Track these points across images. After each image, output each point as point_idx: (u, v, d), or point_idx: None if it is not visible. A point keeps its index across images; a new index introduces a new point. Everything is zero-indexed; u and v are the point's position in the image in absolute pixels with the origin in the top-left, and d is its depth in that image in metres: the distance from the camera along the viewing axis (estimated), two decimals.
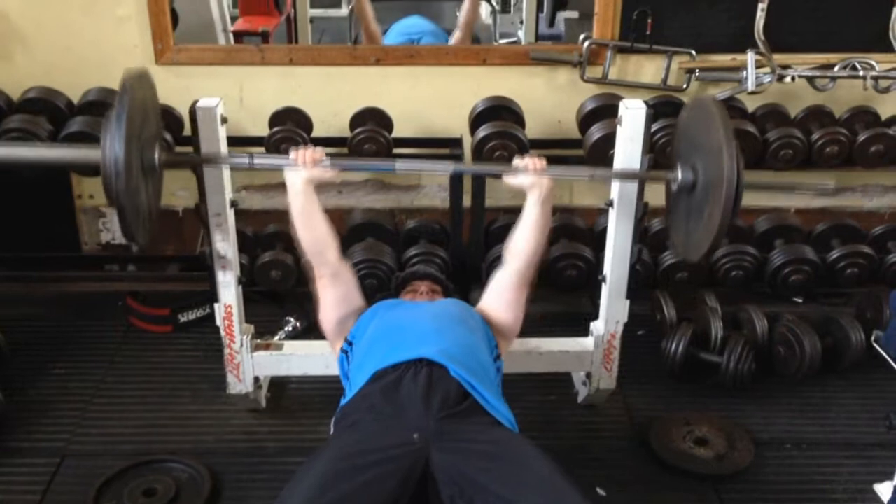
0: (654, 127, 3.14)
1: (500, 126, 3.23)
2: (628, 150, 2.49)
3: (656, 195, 2.58)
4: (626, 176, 2.56)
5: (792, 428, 2.87)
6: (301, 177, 2.28)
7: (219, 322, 2.68)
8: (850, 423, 2.90)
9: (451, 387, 2.06)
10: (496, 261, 3.35)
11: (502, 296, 2.44)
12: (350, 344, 2.37)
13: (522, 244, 2.38)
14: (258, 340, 2.80)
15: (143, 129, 2.08)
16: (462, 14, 4.39)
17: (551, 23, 4.74)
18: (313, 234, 2.35)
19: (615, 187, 2.58)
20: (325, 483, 1.83)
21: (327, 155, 2.29)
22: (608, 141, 2.96)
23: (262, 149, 3.28)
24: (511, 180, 2.35)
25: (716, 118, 2.14)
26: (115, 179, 1.91)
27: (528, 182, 2.33)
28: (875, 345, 2.88)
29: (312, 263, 2.40)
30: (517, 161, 2.35)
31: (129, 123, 1.93)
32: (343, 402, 2.22)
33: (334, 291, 2.41)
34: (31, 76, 3.39)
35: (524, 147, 3.21)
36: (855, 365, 3.06)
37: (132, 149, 1.96)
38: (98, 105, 3.30)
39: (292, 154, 2.28)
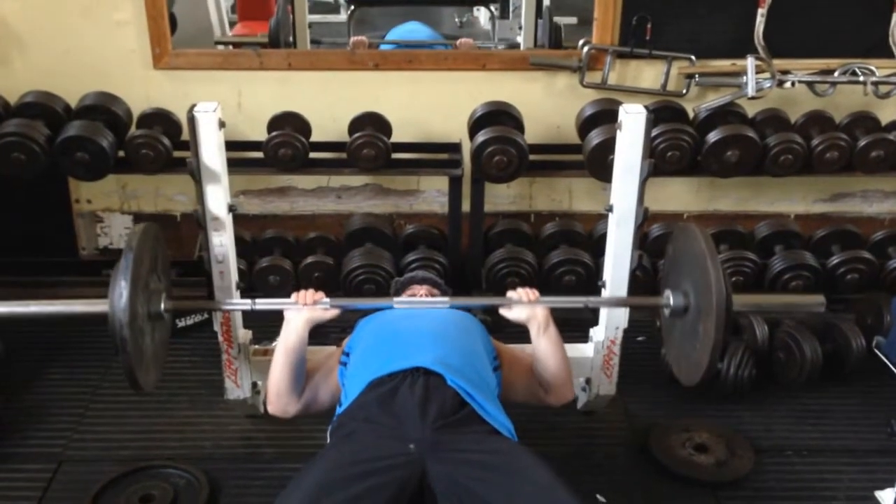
0: (654, 132, 3.13)
1: (499, 131, 3.23)
2: (628, 155, 2.48)
3: (656, 202, 2.57)
4: (618, 304, 2.65)
5: (792, 434, 2.86)
6: (302, 317, 2.33)
7: (217, 327, 2.67)
8: (850, 430, 2.89)
9: (447, 396, 2.05)
10: (495, 266, 3.36)
11: (527, 379, 2.44)
12: (347, 355, 2.36)
13: (546, 375, 2.40)
14: (256, 346, 2.79)
15: (150, 281, 2.18)
16: None
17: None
18: (290, 380, 2.34)
19: (615, 192, 2.57)
20: (319, 492, 1.82)
21: (327, 296, 2.38)
22: (607, 146, 2.96)
23: (260, 153, 3.26)
24: (507, 314, 2.39)
25: (700, 242, 2.16)
26: (119, 330, 2.01)
27: (524, 315, 2.36)
28: (876, 351, 2.88)
29: (275, 410, 2.38)
30: (510, 293, 2.39)
31: (135, 279, 2.04)
32: (339, 410, 2.21)
33: (315, 411, 2.42)
34: (29, 80, 3.38)
35: (523, 152, 3.21)
36: (855, 371, 3.04)
37: (137, 299, 2.07)
38: (96, 109, 3.30)
39: (294, 296, 2.35)
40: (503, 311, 2.39)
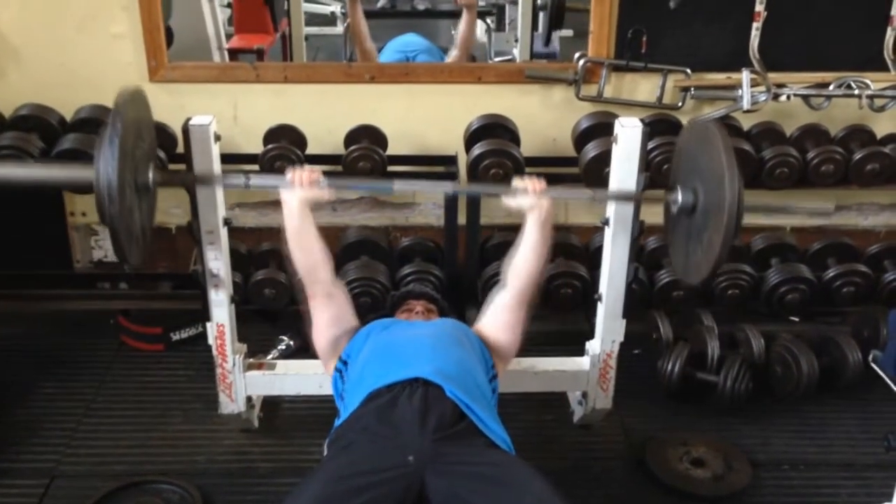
0: (650, 145, 3.13)
1: (495, 144, 3.22)
2: (624, 168, 2.48)
3: (652, 214, 2.57)
4: (625, 197, 2.55)
5: (789, 448, 2.85)
6: (297, 197, 2.26)
7: (211, 341, 2.66)
8: (848, 444, 2.88)
9: (446, 407, 2.04)
10: (491, 279, 3.33)
11: (500, 317, 2.41)
12: (344, 363, 2.35)
13: (522, 265, 2.36)
14: (251, 360, 2.78)
15: (137, 149, 2.06)
16: (459, 33, 4.40)
17: (547, 41, 4.74)
18: (308, 255, 2.33)
19: (611, 206, 2.57)
20: None
21: (324, 174, 2.27)
22: (603, 159, 2.95)
23: (257, 167, 3.26)
24: (510, 202, 2.32)
25: (717, 142, 2.12)
26: (107, 200, 1.90)
27: (528, 203, 2.30)
28: (873, 365, 2.86)
29: (305, 283, 2.37)
30: (516, 182, 2.32)
31: (122, 143, 1.92)
32: (337, 422, 2.20)
33: (327, 311, 2.39)
34: (24, 93, 3.38)
35: (519, 165, 3.20)
36: (852, 385, 3.04)
37: (125, 169, 1.95)
38: (91, 122, 3.29)
39: (289, 174, 2.25)
40: (507, 199, 2.33)
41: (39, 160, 2.15)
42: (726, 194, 2.04)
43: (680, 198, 2.28)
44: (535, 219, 2.31)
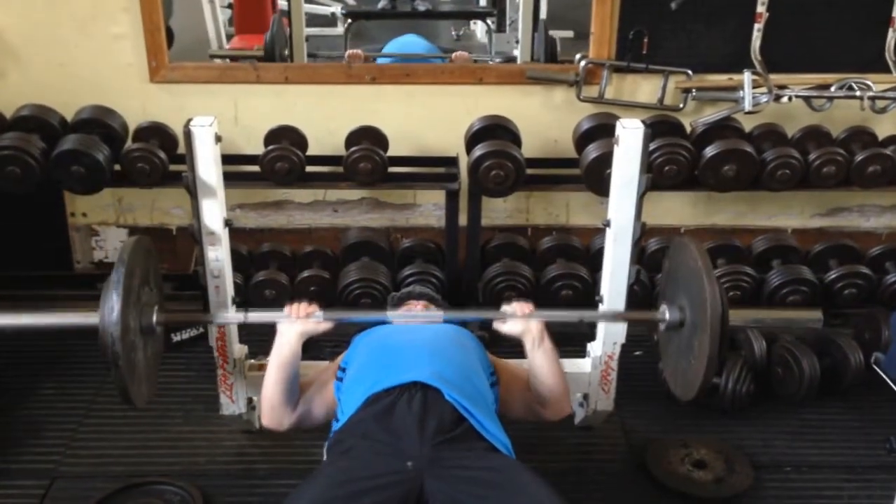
0: (651, 146, 3.13)
1: (495, 145, 3.22)
2: (625, 169, 2.48)
3: (653, 216, 2.57)
4: (616, 318, 2.63)
5: (791, 450, 2.85)
6: (294, 329, 2.30)
7: (212, 342, 2.65)
8: (849, 446, 2.87)
9: (445, 411, 2.04)
10: (492, 280, 3.35)
11: (518, 406, 2.42)
12: (343, 370, 2.35)
13: (541, 389, 2.36)
14: (252, 361, 2.77)
15: (142, 294, 2.16)
16: None
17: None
18: (284, 392, 2.32)
19: (612, 207, 2.56)
20: None
21: (320, 308, 2.35)
22: (604, 160, 2.95)
23: (257, 167, 3.26)
24: (501, 327, 2.35)
25: (696, 258, 2.15)
26: (111, 343, 1.99)
27: (518, 329, 2.33)
28: (875, 366, 2.86)
29: (270, 424, 2.37)
30: (505, 307, 2.37)
31: (126, 292, 2.02)
32: (335, 426, 2.20)
33: (309, 425, 2.41)
34: (25, 94, 3.37)
35: (520, 166, 3.20)
36: (854, 386, 3.03)
37: (129, 313, 2.04)
38: (92, 123, 3.29)
39: (286, 309, 2.32)
40: (497, 325, 2.36)
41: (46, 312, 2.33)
42: (708, 310, 2.06)
43: (668, 315, 2.33)
44: (530, 344, 2.33)
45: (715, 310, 2.06)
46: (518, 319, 2.33)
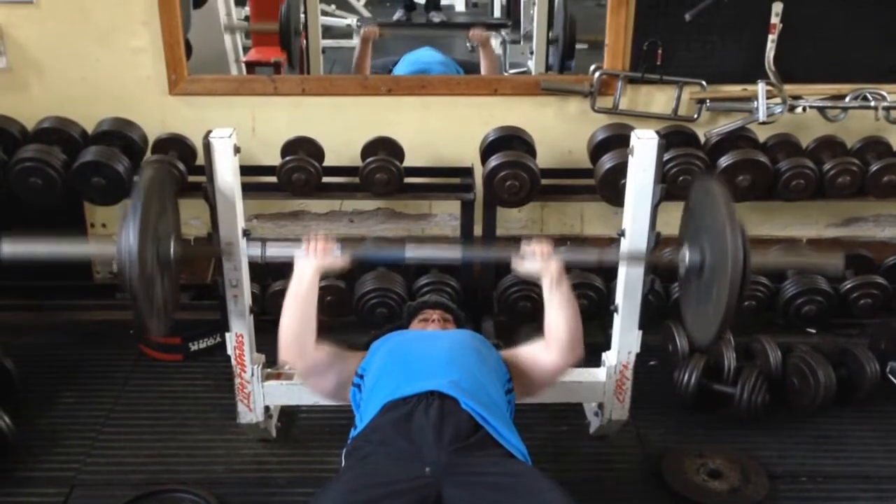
0: (666, 157, 3.14)
1: (511, 156, 3.24)
2: (640, 180, 2.49)
3: (668, 225, 2.58)
4: (634, 259, 2.58)
5: (807, 461, 2.84)
6: (311, 265, 2.32)
7: (230, 351, 2.68)
8: (866, 456, 2.86)
9: (462, 419, 2.05)
10: (507, 290, 3.36)
11: (537, 370, 2.41)
12: (361, 377, 2.36)
13: (556, 331, 2.35)
14: (269, 370, 2.79)
15: (160, 224, 2.15)
16: (483, 70, 4.52)
17: (561, 71, 4.72)
18: (301, 324, 2.33)
19: (627, 217, 2.57)
20: None
21: (338, 240, 2.35)
22: (619, 171, 2.97)
23: (274, 178, 3.29)
24: (519, 268, 2.36)
25: (718, 199, 2.14)
26: (129, 271, 1.99)
27: (536, 268, 2.33)
28: (891, 377, 2.86)
29: (289, 357, 2.37)
30: (523, 247, 2.36)
31: (145, 218, 2.02)
32: (353, 433, 2.21)
33: (317, 380, 2.41)
34: (46, 106, 3.42)
35: (535, 177, 3.22)
36: (870, 397, 3.02)
37: (147, 242, 2.04)
38: (112, 135, 3.33)
39: (304, 244, 2.32)
40: (515, 264, 2.36)
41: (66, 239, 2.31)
42: (728, 248, 2.05)
43: (688, 257, 2.31)
44: (547, 283, 2.33)
45: (736, 260, 2.03)
46: (537, 258, 2.32)
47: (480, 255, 2.66)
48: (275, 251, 2.43)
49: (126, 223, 2.00)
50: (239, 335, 2.65)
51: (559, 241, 3.75)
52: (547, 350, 2.38)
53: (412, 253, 2.47)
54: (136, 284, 2.00)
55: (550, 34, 4.74)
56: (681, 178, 3.22)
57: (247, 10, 6.23)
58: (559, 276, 2.33)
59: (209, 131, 2.43)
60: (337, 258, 2.32)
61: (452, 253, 2.42)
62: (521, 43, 5.83)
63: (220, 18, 5.41)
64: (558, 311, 2.34)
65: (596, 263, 2.69)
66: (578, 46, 4.57)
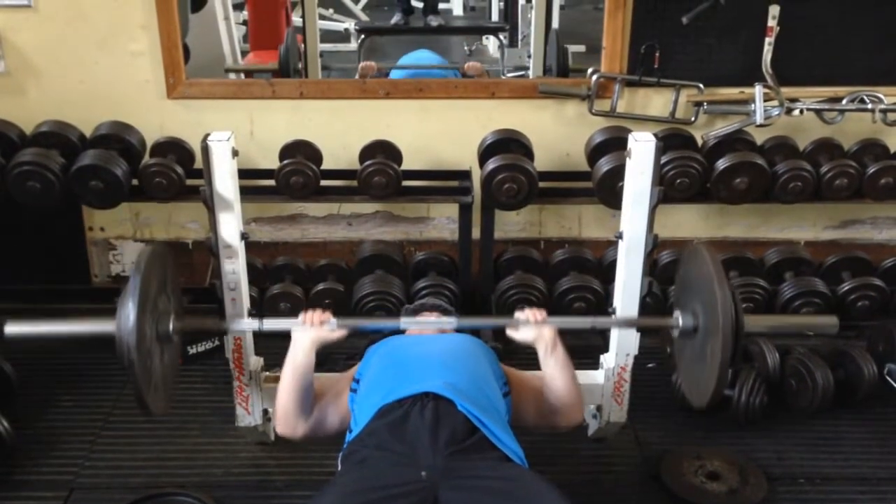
0: (663, 159, 3.14)
1: (508, 159, 3.25)
2: (638, 182, 2.49)
3: (666, 228, 2.58)
4: (629, 324, 2.62)
5: (805, 462, 2.84)
6: (309, 337, 2.32)
7: (228, 354, 2.68)
8: (863, 458, 2.86)
9: (458, 421, 2.05)
10: (505, 293, 3.36)
11: (537, 403, 2.42)
12: (357, 381, 2.36)
13: (555, 397, 2.37)
14: (268, 373, 2.79)
15: (159, 301, 2.17)
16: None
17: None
18: (297, 401, 2.34)
19: (625, 219, 2.58)
20: None
21: (334, 316, 2.36)
22: (617, 173, 2.97)
23: (272, 181, 3.29)
24: (514, 334, 2.37)
25: (708, 264, 2.14)
26: (126, 347, 2.00)
27: (531, 336, 2.34)
28: (888, 378, 2.86)
29: (286, 431, 2.38)
30: (517, 314, 2.37)
31: (142, 296, 2.03)
32: (349, 437, 2.21)
33: (320, 434, 2.41)
34: (44, 110, 3.43)
35: (533, 180, 3.22)
36: (867, 398, 3.02)
37: (145, 320, 2.06)
38: (110, 138, 3.34)
39: (301, 316, 2.34)
40: (510, 332, 2.37)
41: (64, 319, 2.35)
42: (720, 315, 2.04)
43: (681, 321, 2.31)
44: (542, 350, 2.34)
45: (727, 314, 2.04)
46: (531, 326, 2.34)
47: (477, 325, 2.73)
48: (273, 324, 2.47)
49: (124, 299, 2.02)
50: (237, 338, 2.65)
51: (557, 243, 3.77)
52: (548, 410, 2.41)
53: (407, 322, 2.50)
54: (133, 360, 2.01)
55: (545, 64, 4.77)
56: (678, 181, 3.23)
57: (245, 13, 6.25)
58: (553, 342, 2.34)
59: (207, 134, 2.43)
60: (333, 330, 2.33)
61: (447, 326, 2.46)
62: (519, 47, 5.85)
63: (221, 35, 5.43)
64: (554, 378, 2.35)
65: (589, 329, 2.76)
66: (575, 49, 4.59)
